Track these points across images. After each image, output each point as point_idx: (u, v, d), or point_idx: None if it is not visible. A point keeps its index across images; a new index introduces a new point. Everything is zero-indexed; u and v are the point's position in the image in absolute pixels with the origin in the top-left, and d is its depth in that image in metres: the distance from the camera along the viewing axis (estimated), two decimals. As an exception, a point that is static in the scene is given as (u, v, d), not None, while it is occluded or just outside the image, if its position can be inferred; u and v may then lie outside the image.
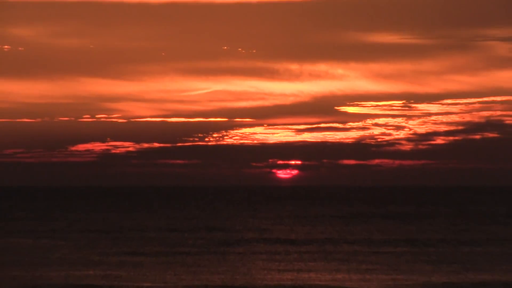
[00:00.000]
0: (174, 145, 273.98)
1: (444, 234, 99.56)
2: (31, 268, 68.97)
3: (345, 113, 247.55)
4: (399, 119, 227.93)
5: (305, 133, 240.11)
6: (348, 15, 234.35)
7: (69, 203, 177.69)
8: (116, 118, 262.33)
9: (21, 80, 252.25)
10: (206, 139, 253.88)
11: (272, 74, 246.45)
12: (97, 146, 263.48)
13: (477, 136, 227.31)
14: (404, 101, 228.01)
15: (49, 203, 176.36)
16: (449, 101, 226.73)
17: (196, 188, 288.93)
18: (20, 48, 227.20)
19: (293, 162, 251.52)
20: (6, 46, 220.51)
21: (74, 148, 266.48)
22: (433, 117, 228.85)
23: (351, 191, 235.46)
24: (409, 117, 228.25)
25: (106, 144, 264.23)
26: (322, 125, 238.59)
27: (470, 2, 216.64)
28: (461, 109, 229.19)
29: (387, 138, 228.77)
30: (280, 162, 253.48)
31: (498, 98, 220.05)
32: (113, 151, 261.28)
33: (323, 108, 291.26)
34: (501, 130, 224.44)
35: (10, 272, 67.73)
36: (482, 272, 64.65)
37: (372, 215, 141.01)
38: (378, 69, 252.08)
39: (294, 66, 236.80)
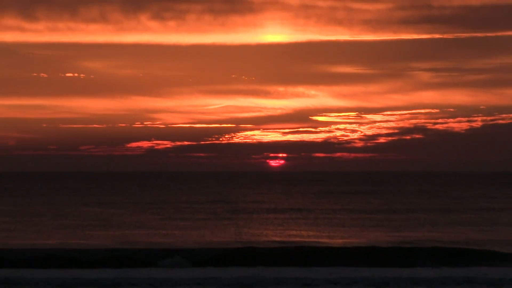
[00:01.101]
0: (198, 143, 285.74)
1: (388, 205, 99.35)
2: (112, 229, 68.76)
3: (316, 121, 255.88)
4: (354, 125, 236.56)
5: (289, 135, 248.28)
6: (319, 53, 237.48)
7: (124, 185, 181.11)
8: (158, 124, 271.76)
9: (92, 99, 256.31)
10: (220, 139, 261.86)
11: (265, 94, 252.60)
12: (145, 144, 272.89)
13: (408, 137, 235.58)
14: (357, 113, 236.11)
15: (110, 184, 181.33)
16: (388, 112, 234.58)
17: (213, 173, 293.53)
18: (91, 76, 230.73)
19: (280, 155, 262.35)
20: (82, 75, 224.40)
21: (128, 145, 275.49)
22: (377, 124, 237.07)
23: (321, 175, 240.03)
24: (361, 124, 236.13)
25: (151, 142, 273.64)
26: (300, 129, 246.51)
27: (404, 45, 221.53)
28: (396, 118, 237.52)
29: (345, 138, 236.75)
30: (272, 155, 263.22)
31: (422, 111, 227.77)
32: (156, 147, 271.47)
33: (301, 118, 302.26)
34: (424, 133, 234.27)
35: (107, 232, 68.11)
36: (413, 231, 64.90)
37: (338, 191, 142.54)
38: (339, 91, 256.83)
39: (281, 89, 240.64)
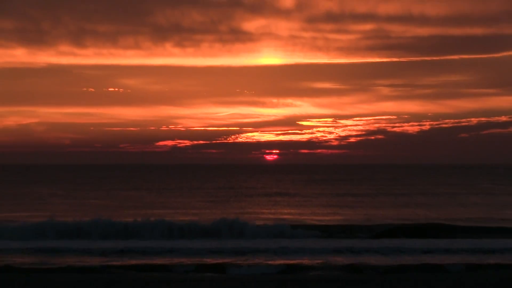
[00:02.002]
0: (210, 142, 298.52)
1: (358, 190, 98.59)
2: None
3: (302, 125, 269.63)
4: (330, 129, 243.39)
5: (280, 135, 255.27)
6: (303, 73, 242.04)
7: (155, 174, 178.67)
8: (179, 127, 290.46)
9: (129, 108, 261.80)
10: (228, 139, 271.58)
11: (262, 104, 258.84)
12: (169, 143, 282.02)
13: (372, 137, 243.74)
14: (333, 119, 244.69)
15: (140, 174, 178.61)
16: (357, 119, 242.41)
17: (222, 165, 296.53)
18: (128, 90, 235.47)
19: (274, 151, 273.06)
20: (121, 89, 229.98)
21: (157, 144, 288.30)
22: (349, 127, 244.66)
23: (305, 167, 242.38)
24: (336, 127, 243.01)
25: (174, 141, 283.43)
26: (289, 131, 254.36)
27: (369, 66, 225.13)
28: (363, 123, 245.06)
29: (324, 138, 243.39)
30: (267, 151, 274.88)
31: (383, 117, 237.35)
32: (178, 145, 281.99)
33: (289, 122, 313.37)
34: (385, 134, 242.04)
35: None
36: (379, 210, 63.09)
37: (319, 180, 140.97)
38: (319, 102, 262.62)
39: (274, 100, 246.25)
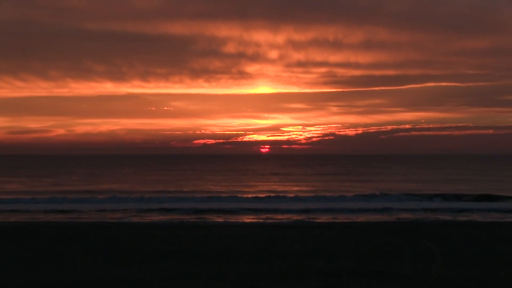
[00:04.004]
0: (227, 141, 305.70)
1: (319, 171, 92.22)
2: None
3: (283, 130, 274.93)
4: (301, 132, 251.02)
5: (270, 137, 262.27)
6: (284, 98, 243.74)
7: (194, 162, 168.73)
8: (208, 132, 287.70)
9: (176, 119, 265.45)
10: (237, 139, 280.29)
11: (259, 118, 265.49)
12: (201, 141, 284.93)
13: (327, 138, 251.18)
14: (302, 126, 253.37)
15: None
16: (317, 126, 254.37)
17: (234, 155, 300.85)
18: (176, 109, 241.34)
19: (266, 146, 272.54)
20: (171, 108, 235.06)
21: (194, 142, 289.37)
22: (312, 132, 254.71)
23: (286, 157, 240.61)
24: (304, 132, 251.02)
25: (204, 140, 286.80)
26: (276, 135, 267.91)
27: (325, 94, 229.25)
28: (321, 129, 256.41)
29: (297, 138, 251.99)
30: (262, 147, 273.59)
31: (333, 125, 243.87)
32: (207, 143, 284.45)
33: (275, 129, 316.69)
34: (334, 136, 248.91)
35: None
36: (340, 184, 57.48)
37: (294, 165, 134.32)
38: (294, 116, 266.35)
39: (266, 115, 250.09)
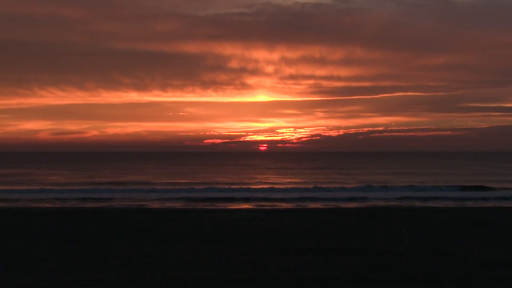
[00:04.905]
0: (231, 140, 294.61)
1: (310, 165, 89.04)
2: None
3: (278, 132, 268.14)
4: (292, 134, 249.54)
5: (268, 137, 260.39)
6: (279, 106, 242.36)
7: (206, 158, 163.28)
8: (215, 133, 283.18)
9: (189, 123, 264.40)
10: (240, 139, 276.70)
11: (258, 121, 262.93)
12: (210, 141, 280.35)
13: (314, 138, 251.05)
14: (294, 128, 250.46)
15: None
16: (306, 128, 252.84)
17: (238, 153, 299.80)
18: (189, 114, 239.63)
19: (264, 145, 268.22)
20: (185, 114, 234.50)
21: (205, 141, 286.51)
22: (302, 133, 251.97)
23: (280, 154, 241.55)
24: (295, 133, 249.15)
25: (213, 140, 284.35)
26: (272, 135, 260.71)
27: (313, 102, 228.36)
28: (309, 131, 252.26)
29: (290, 138, 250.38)
30: (261, 145, 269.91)
31: (320, 128, 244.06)
32: (215, 142, 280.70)
33: (272, 131, 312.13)
34: (321, 137, 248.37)
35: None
36: (329, 177, 54.96)
37: (287, 160, 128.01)
38: (287, 120, 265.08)
39: (264, 119, 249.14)
